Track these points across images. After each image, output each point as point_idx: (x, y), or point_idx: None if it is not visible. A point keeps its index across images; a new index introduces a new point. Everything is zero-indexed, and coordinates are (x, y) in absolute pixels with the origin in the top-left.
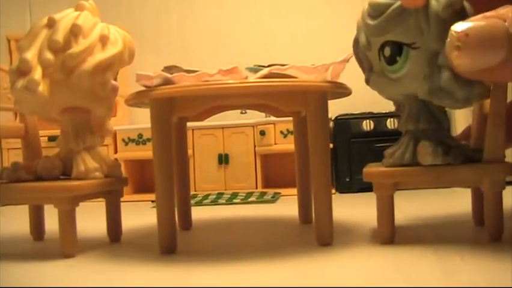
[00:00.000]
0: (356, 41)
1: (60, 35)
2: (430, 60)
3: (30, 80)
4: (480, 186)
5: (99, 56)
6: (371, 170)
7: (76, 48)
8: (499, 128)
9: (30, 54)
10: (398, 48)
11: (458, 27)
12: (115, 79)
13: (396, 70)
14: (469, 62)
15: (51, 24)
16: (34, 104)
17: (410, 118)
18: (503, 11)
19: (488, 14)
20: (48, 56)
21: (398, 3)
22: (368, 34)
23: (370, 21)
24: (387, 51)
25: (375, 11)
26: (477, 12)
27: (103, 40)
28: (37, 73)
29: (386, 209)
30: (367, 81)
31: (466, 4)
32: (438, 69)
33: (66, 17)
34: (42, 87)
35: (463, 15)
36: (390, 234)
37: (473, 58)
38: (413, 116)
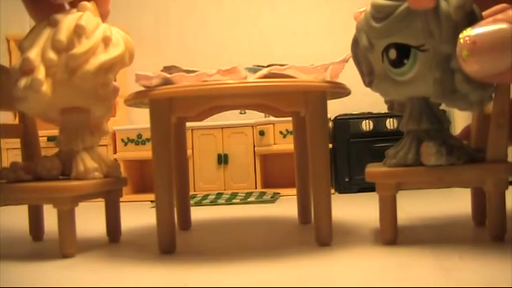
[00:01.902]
0: (356, 43)
1: (63, 35)
2: (441, 62)
3: (34, 79)
4: (483, 186)
5: (102, 57)
6: (374, 170)
7: (79, 49)
8: (502, 128)
9: (33, 54)
10: (405, 51)
11: (466, 34)
12: (114, 80)
13: (404, 73)
14: (479, 68)
15: (54, 23)
16: (36, 103)
17: (412, 118)
18: None
19: (498, 16)
20: (52, 55)
21: (405, 4)
22: (371, 36)
23: (374, 24)
24: (392, 53)
25: (379, 13)
26: (481, 9)
27: (106, 41)
28: (41, 72)
29: (389, 210)
30: (369, 84)
31: (474, 6)
32: (450, 72)
33: (69, 17)
34: (45, 87)
35: (472, 17)
36: (392, 235)
37: (482, 64)
38: (415, 116)
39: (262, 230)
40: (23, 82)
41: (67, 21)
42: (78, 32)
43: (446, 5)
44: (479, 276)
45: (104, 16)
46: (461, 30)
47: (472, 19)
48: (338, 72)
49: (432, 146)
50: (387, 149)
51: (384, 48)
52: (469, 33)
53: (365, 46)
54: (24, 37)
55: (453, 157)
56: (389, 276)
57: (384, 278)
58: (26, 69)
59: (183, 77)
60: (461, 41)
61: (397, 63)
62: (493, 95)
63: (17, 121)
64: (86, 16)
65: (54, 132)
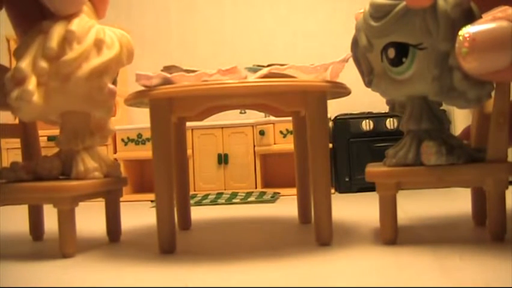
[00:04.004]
0: (355, 42)
1: (54, 42)
2: (439, 60)
3: (24, 90)
4: (483, 186)
5: (94, 61)
6: (374, 170)
7: (70, 55)
8: (502, 127)
9: (25, 63)
10: (403, 49)
11: (466, 31)
12: (115, 80)
13: (402, 71)
14: (478, 65)
15: (45, 30)
16: (30, 112)
17: (412, 118)
18: None
19: (498, 15)
20: (43, 64)
21: (403, 3)
22: (370, 35)
23: (373, 23)
24: (391, 52)
25: (377, 12)
26: (482, 11)
27: (98, 44)
28: (31, 83)
29: (389, 210)
30: (368, 84)
31: (472, 4)
32: (448, 70)
33: (59, 23)
34: (36, 97)
35: (470, 15)
36: (393, 234)
37: (482, 62)
38: (415, 115)
39: (262, 229)
40: (15, 93)
41: (58, 28)
42: (69, 37)
43: (443, 3)
44: (479, 277)
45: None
46: (459, 28)
47: (470, 17)
48: (338, 72)
49: (433, 146)
50: (387, 148)
51: (383, 48)
52: (468, 30)
53: (364, 45)
54: (17, 46)
55: (453, 157)
56: (389, 276)
57: (384, 278)
58: (18, 79)
59: (183, 76)
60: (461, 38)
61: (396, 62)
62: (493, 94)
63: (17, 121)
64: (78, 20)
65: (55, 132)
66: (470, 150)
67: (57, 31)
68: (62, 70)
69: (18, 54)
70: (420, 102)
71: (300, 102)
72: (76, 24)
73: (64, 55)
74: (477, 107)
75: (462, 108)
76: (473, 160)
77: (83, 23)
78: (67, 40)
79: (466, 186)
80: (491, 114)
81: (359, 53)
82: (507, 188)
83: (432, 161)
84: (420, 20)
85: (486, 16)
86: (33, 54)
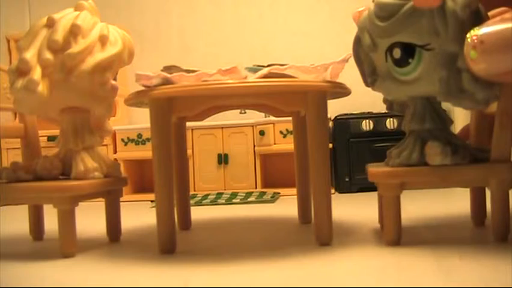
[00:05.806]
0: (358, 42)
1: (59, 35)
2: (447, 61)
3: (29, 80)
4: (486, 186)
5: (98, 55)
6: (377, 170)
7: (75, 48)
8: (506, 128)
9: (30, 54)
10: (409, 50)
11: (474, 33)
12: (115, 79)
13: (408, 72)
14: (486, 67)
15: (50, 24)
16: (33, 103)
17: (415, 118)
18: None
19: (506, 16)
20: (48, 55)
21: (410, 3)
22: (375, 35)
23: (378, 22)
24: (397, 52)
25: (383, 12)
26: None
27: (103, 40)
28: (36, 73)
29: (393, 211)
30: (371, 84)
31: (480, 5)
32: (456, 71)
33: (65, 17)
34: (41, 87)
35: (478, 16)
36: (396, 236)
37: (490, 63)
38: (418, 115)
39: (262, 229)
40: (19, 83)
41: (63, 21)
42: (74, 31)
43: (452, 4)
44: (479, 277)
45: None
46: (467, 29)
47: (478, 18)
48: (338, 72)
49: (438, 146)
50: (387, 149)
51: (388, 48)
52: (476, 33)
53: (368, 45)
54: (22, 37)
55: (458, 157)
56: (389, 277)
57: (384, 277)
58: (23, 69)
59: (183, 76)
60: (469, 40)
61: (402, 63)
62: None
63: (17, 121)
64: (83, 15)
65: (55, 132)
66: (473, 150)
67: (62, 24)
68: (66, 63)
69: (23, 45)
70: (423, 101)
71: (300, 102)
72: (81, 19)
73: (68, 48)
74: (484, 108)
75: (469, 109)
76: (476, 160)
77: (88, 19)
78: (72, 34)
79: (470, 187)
80: (496, 114)
81: (361, 52)
82: (510, 187)
83: (437, 161)
84: (427, 20)
85: (494, 17)
86: (39, 46)
